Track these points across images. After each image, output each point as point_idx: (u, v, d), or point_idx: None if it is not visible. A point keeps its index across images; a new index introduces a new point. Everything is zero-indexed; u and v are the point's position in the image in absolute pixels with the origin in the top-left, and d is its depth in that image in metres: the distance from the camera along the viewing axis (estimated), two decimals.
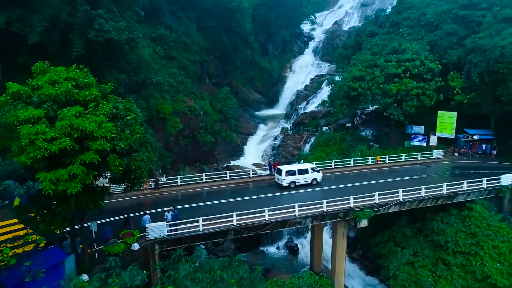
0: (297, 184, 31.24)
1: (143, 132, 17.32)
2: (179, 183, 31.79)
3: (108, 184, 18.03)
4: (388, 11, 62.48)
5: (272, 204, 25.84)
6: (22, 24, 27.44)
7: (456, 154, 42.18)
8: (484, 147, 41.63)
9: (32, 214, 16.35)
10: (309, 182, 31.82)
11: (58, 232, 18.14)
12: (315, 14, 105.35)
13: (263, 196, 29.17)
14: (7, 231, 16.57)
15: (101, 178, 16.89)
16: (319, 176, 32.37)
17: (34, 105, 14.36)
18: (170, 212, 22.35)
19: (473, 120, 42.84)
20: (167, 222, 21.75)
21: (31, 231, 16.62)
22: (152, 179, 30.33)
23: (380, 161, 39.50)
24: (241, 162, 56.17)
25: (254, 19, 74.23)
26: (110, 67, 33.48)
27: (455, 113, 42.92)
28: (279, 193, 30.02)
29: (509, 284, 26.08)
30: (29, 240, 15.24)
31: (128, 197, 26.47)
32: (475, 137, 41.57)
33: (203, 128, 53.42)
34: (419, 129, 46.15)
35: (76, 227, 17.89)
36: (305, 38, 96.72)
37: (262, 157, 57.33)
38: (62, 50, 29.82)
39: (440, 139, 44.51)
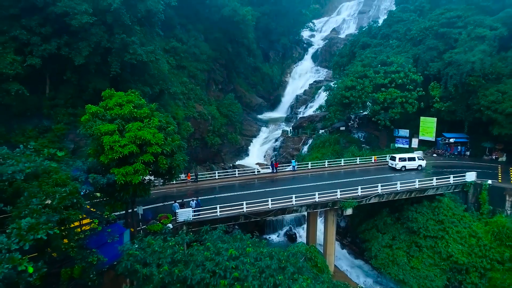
0: (406, 168, 40.70)
1: (179, 139, 23.24)
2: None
3: (153, 178, 23.97)
4: (380, 21, 68.25)
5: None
6: (69, 48, 33.44)
7: (435, 155, 47.99)
8: (459, 149, 47.47)
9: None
10: (416, 167, 40.91)
11: (106, 216, 24.08)
12: (314, 21, 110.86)
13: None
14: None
15: None
16: (423, 163, 41.37)
17: (107, 121, 20.31)
18: (194, 200, 28.35)
19: (450, 125, 48.71)
20: (192, 208, 27.70)
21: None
22: (193, 174, 37.27)
23: (370, 161, 45.41)
24: (246, 162, 61.49)
25: (256, 28, 79.04)
26: (136, 81, 39.45)
27: (435, 119, 48.74)
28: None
29: (468, 261, 32.02)
30: (104, 216, 21.23)
31: (157, 190, 32.39)
32: (452, 140, 47.38)
33: (211, 131, 58.95)
34: (405, 132, 52.05)
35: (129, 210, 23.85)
36: (305, 45, 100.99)
37: (264, 157, 62.58)
38: (99, 68, 35.78)
39: (421, 142, 50.45)
